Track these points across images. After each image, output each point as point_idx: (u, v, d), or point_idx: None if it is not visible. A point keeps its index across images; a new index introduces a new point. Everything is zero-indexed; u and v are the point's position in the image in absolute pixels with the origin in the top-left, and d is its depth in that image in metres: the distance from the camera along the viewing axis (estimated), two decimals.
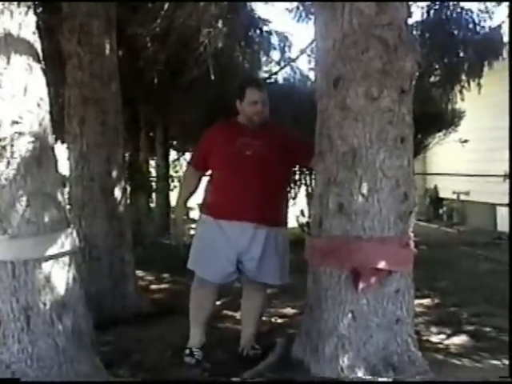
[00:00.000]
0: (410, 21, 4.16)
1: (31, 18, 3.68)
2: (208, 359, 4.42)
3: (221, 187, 4.44)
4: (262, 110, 4.36)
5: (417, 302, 4.42)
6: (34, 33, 3.69)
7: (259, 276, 4.43)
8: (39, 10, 6.34)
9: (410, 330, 3.90)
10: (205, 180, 4.74)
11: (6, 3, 3.49)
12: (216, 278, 4.43)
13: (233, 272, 4.41)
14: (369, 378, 3.67)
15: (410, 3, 5.20)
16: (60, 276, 3.71)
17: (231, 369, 4.17)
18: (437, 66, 8.33)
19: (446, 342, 4.83)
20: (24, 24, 3.60)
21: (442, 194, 15.10)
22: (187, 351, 4.46)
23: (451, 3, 7.88)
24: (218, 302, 5.03)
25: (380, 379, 3.66)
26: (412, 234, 3.90)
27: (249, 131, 4.38)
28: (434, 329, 5.17)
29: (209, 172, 4.70)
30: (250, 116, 4.39)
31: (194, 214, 5.29)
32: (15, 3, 3.54)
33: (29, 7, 3.66)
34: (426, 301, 6.11)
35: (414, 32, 7.57)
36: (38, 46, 3.72)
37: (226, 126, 4.65)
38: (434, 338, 4.91)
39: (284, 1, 9.72)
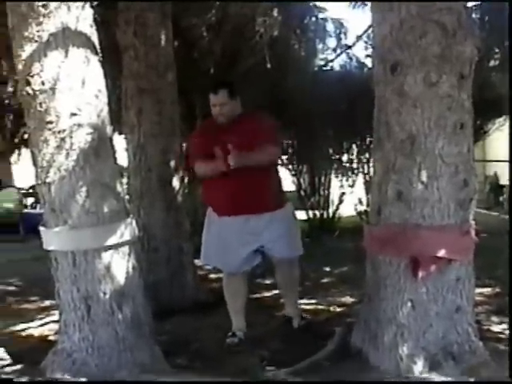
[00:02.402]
0: (469, 4, 4.06)
1: (88, 12, 3.73)
2: (266, 348, 4.44)
3: (213, 185, 4.64)
4: (220, 112, 4.59)
5: (477, 290, 4.32)
6: (91, 26, 3.74)
7: (279, 252, 4.67)
8: (95, 3, 6.41)
9: (471, 319, 3.83)
10: None
11: None
12: (238, 268, 4.68)
13: (247, 257, 4.61)
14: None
15: None
16: (119, 265, 3.76)
17: (289, 357, 4.17)
18: (496, 50, 8.18)
19: (508, 331, 4.74)
20: (81, 17, 3.65)
21: (502, 181, 14.83)
22: (230, 333, 4.71)
23: None
24: (275, 291, 5.05)
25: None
26: (473, 222, 3.83)
27: (225, 128, 4.56)
28: (494, 318, 5.07)
29: None
30: (215, 117, 4.64)
31: None
32: None
33: (85, 1, 3.70)
34: (486, 290, 6.00)
35: (473, 15, 7.44)
36: (94, 38, 3.77)
37: (205, 127, 5.07)
38: (495, 328, 4.81)
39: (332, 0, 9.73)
